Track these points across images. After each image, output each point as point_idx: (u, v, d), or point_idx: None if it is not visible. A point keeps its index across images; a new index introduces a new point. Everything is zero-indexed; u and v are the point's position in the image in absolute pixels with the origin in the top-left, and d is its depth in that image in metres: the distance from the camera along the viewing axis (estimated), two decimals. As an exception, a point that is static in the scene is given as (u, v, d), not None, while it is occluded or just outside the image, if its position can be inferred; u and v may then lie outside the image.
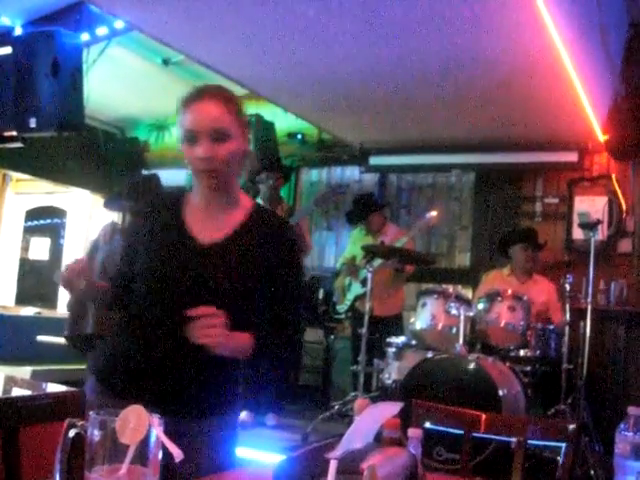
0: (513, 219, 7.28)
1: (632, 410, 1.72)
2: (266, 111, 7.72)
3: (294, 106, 7.00)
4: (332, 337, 7.33)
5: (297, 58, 5.55)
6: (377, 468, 0.98)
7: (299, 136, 8.20)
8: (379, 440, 1.26)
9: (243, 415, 5.88)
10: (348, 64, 5.54)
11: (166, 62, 7.50)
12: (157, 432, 1.16)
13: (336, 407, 5.69)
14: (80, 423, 1.21)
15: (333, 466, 0.97)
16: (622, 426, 1.72)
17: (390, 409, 1.17)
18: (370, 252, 6.01)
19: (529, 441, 2.31)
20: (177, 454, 1.16)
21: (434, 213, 6.24)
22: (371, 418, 1.15)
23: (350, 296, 6.46)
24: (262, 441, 5.33)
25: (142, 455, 1.16)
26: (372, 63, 5.47)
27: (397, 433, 1.28)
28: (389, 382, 5.28)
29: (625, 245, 6.90)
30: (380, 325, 6.10)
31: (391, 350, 5.48)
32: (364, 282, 6.00)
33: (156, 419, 1.16)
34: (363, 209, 6.53)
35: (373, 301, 5.86)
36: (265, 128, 7.68)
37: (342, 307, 6.58)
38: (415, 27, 4.83)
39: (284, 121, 7.88)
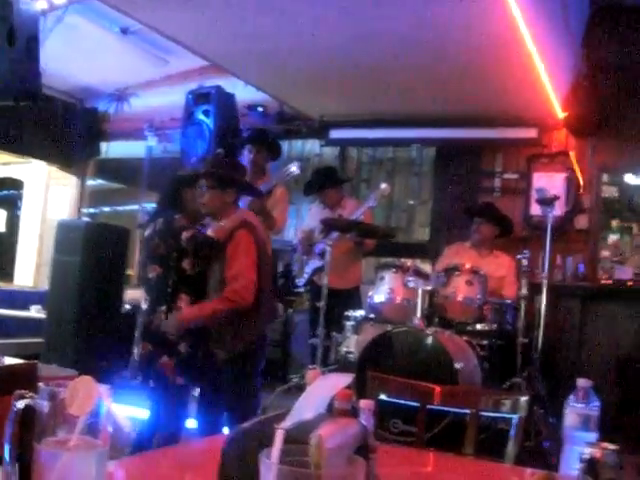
0: (472, 194, 7.32)
1: (581, 382, 1.75)
2: (227, 83, 7.65)
3: (255, 78, 6.95)
4: (291, 310, 7.33)
5: (259, 30, 5.50)
6: (326, 438, 0.98)
7: (260, 108, 8.14)
8: (331, 411, 1.26)
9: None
10: (310, 37, 5.51)
11: (124, 31, 7.37)
12: (107, 403, 1.15)
13: (294, 380, 5.72)
14: (29, 395, 1.19)
15: (279, 436, 0.97)
16: (571, 398, 1.75)
17: (341, 380, 1.17)
18: (328, 225, 6.01)
19: (483, 413, 2.34)
20: (127, 425, 1.15)
21: (385, 185, 6.26)
22: (322, 389, 1.15)
23: (308, 269, 6.45)
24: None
25: (92, 426, 1.15)
26: (334, 36, 5.44)
27: (349, 404, 1.28)
28: (347, 355, 5.32)
29: (582, 221, 6.99)
30: (339, 298, 6.12)
31: (349, 323, 5.51)
32: (322, 255, 6.00)
33: (106, 389, 1.15)
34: (321, 182, 6.51)
35: (331, 274, 5.89)
36: (225, 100, 7.61)
37: (301, 280, 6.58)
38: (377, 1, 4.81)
39: (245, 93, 7.81)
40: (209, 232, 3.84)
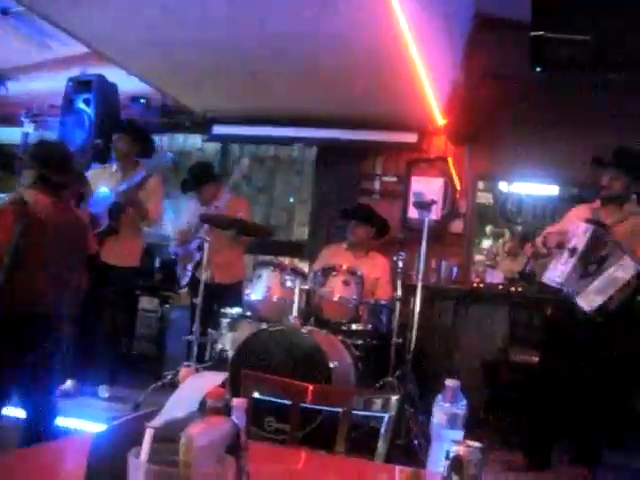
0: (352, 195, 7.40)
1: (449, 382, 1.80)
2: (109, 72, 7.47)
3: (138, 69, 6.80)
4: (167, 306, 7.25)
5: (144, 20, 5.39)
6: (196, 437, 0.97)
7: (142, 100, 8.00)
8: (203, 410, 1.25)
9: (68, 384, 5.72)
10: (195, 31, 5.44)
11: (5, 12, 7.08)
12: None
13: (168, 377, 5.64)
14: None
15: (149, 435, 0.96)
16: (440, 397, 1.80)
17: (214, 378, 1.16)
18: (206, 221, 5.97)
19: (355, 412, 2.37)
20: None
21: (245, 159, 6.32)
22: (194, 387, 1.15)
23: (190, 266, 6.37)
24: (91, 412, 5.22)
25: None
26: (219, 32, 5.40)
27: (221, 402, 1.28)
28: (222, 353, 5.29)
29: (457, 226, 7.19)
30: (222, 293, 6.10)
31: (225, 321, 5.48)
32: (200, 249, 5.96)
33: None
34: (198, 178, 6.45)
35: (214, 269, 5.87)
36: (107, 90, 7.44)
37: (185, 279, 6.49)
38: (266, 1, 4.81)
39: (128, 84, 7.65)
40: None
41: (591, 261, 4.65)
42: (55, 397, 4.02)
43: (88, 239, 4.16)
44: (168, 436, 1.01)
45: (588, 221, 4.78)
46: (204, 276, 5.78)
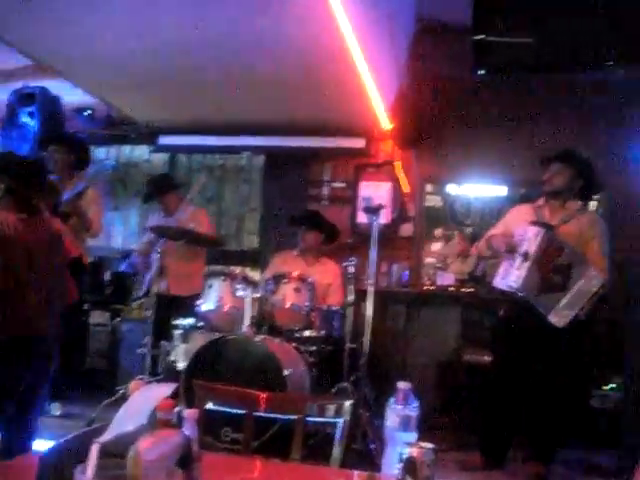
0: (301, 202, 7.38)
1: (401, 385, 1.81)
2: (52, 85, 7.38)
3: (82, 81, 6.72)
4: (118, 319, 7.17)
5: (86, 30, 5.31)
6: (144, 451, 0.96)
7: (87, 112, 7.91)
8: (154, 422, 1.24)
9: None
10: (138, 40, 5.39)
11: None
12: None
13: (121, 392, 5.57)
14: None
15: (94, 451, 0.94)
16: (392, 400, 1.80)
17: (162, 390, 1.15)
18: (157, 233, 5.94)
19: (310, 418, 2.37)
20: None
21: (202, 175, 6.30)
22: (143, 400, 1.14)
23: (146, 278, 6.32)
24: (43, 430, 5.12)
25: None
26: (162, 41, 5.35)
27: (171, 414, 1.27)
28: (174, 364, 5.25)
29: (406, 229, 7.22)
30: (179, 305, 6.06)
31: (178, 332, 5.43)
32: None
33: None
34: (159, 188, 6.44)
35: (171, 281, 5.88)
36: (50, 102, 7.35)
37: (139, 292, 6.44)
38: (207, 7, 4.78)
39: (72, 96, 7.56)
40: None
41: (549, 267, 4.69)
42: (37, 418, 3.95)
43: (65, 248, 4.05)
44: (116, 451, 0.99)
45: (535, 223, 4.82)
46: (156, 288, 5.75)
